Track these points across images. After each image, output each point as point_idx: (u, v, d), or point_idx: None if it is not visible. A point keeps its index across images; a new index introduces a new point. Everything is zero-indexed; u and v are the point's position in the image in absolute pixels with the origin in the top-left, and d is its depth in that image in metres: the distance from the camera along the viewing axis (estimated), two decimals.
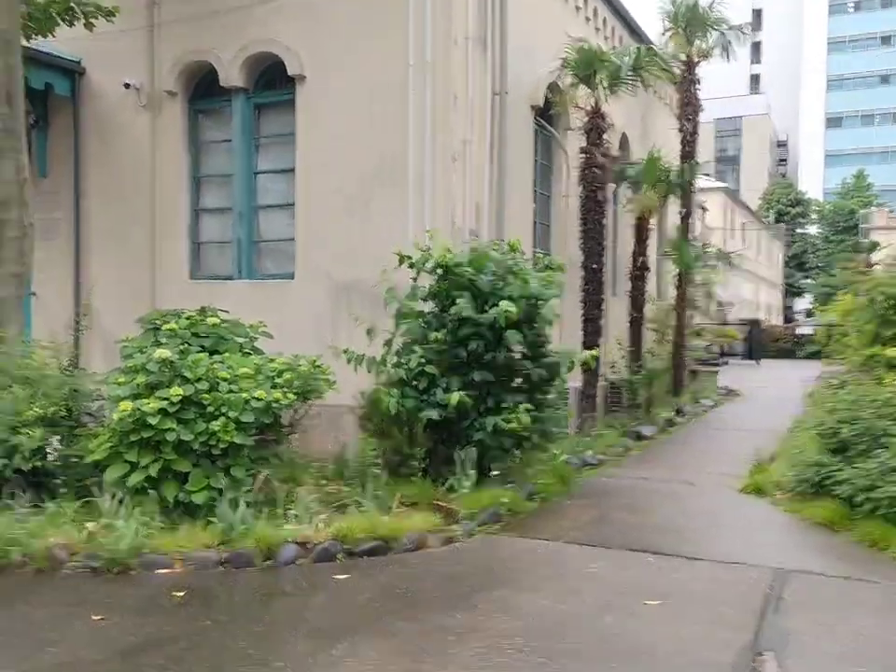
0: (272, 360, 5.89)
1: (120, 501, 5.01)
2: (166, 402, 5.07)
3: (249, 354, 6.39)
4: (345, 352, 6.56)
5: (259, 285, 8.46)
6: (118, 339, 6.35)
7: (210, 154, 8.92)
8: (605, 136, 9.31)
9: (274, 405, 5.38)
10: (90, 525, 4.87)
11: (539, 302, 6.39)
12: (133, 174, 8.96)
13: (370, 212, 7.72)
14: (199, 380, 5.32)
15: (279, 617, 4.02)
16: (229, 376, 5.47)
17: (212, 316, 6.56)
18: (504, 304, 5.87)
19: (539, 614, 4.04)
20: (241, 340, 6.51)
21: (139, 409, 5.03)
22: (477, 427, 6.28)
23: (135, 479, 5.03)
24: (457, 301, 6.04)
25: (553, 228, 10.13)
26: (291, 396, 5.50)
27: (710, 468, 8.00)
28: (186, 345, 5.93)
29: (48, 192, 9.15)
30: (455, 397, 5.95)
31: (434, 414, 6.18)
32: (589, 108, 9.31)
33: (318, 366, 5.85)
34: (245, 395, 5.31)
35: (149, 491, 5.03)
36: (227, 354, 5.89)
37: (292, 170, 8.24)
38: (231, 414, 5.22)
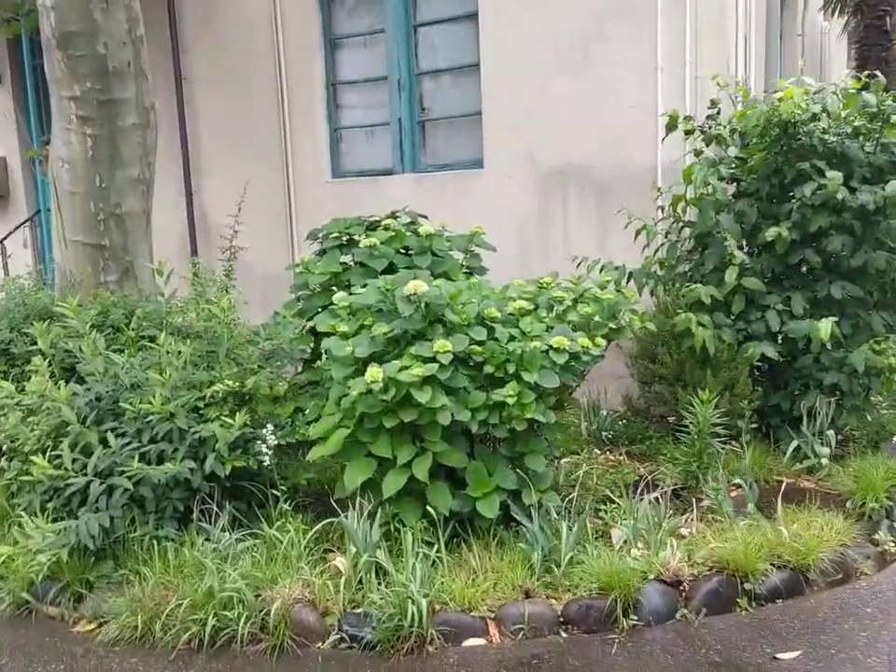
0: (542, 286, 3.91)
1: (369, 516, 3.22)
2: (435, 365, 3.16)
3: (470, 275, 4.48)
4: (601, 265, 4.62)
5: (429, 178, 6.38)
6: (274, 264, 4.48)
7: (351, 6, 6.70)
8: None
9: (583, 357, 3.43)
10: (339, 562, 3.11)
11: None
12: (249, 45, 6.82)
13: (593, 66, 5.49)
14: (469, 324, 3.39)
15: None
16: (499, 315, 3.53)
17: (414, 223, 4.69)
18: None
19: None
20: (459, 256, 4.62)
21: (391, 377, 3.15)
22: (826, 365, 4.27)
23: (395, 484, 3.19)
24: (826, 175, 3.88)
25: (783, 75, 7.71)
26: (601, 341, 3.53)
27: None
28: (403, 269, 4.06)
29: None
30: (827, 326, 3.90)
31: (770, 350, 4.19)
32: None
33: (620, 291, 3.85)
34: (536, 344, 3.37)
35: (425, 504, 3.18)
36: (473, 281, 3.94)
37: (473, 16, 5.98)
38: (526, 377, 3.29)
